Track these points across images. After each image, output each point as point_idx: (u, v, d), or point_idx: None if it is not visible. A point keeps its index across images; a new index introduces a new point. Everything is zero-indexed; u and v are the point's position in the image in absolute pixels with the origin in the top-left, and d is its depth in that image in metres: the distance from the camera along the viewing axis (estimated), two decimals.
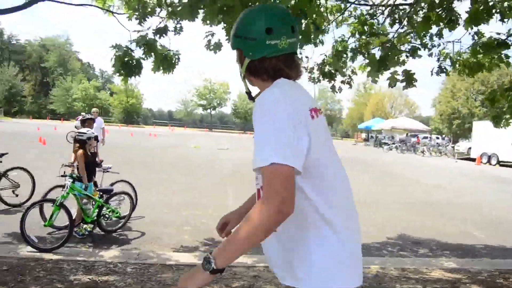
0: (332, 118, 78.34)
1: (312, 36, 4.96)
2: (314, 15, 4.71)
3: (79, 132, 6.35)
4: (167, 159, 17.57)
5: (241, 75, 1.71)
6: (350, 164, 20.06)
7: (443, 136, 45.97)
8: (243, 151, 22.41)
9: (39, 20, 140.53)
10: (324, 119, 1.67)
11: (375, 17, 6.04)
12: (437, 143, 37.00)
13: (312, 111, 1.53)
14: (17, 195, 7.71)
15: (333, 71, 5.84)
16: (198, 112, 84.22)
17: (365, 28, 5.93)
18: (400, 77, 5.44)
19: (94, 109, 12.75)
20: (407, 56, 5.84)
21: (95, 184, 6.69)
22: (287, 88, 1.52)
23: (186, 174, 13.12)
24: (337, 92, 5.87)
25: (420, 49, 5.90)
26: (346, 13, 6.26)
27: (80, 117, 8.21)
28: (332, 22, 6.11)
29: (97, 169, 6.86)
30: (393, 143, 36.97)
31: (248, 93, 1.72)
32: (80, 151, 6.19)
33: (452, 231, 7.82)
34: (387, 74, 5.48)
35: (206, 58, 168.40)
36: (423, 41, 5.91)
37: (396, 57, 5.46)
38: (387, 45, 5.47)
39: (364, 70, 5.73)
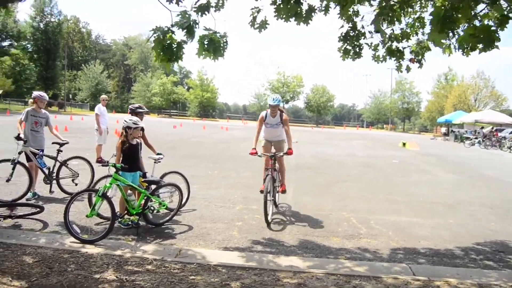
0: (409, 112, 74.26)
1: None
2: None
3: (124, 120, 6.06)
4: (233, 152, 17.34)
5: None
6: (429, 161, 18.57)
7: None
8: (311, 146, 21.68)
9: (123, 20, 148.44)
10: None
11: None
12: None
13: None
14: (76, 184, 7.76)
15: (401, 48, 4.97)
16: None
17: None
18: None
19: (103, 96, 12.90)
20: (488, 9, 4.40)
21: (144, 175, 6.42)
22: None
23: (248, 167, 12.73)
24: (401, 72, 5.02)
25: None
26: None
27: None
28: None
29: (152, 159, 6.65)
30: (476, 138, 33.97)
31: None
32: (119, 139, 5.96)
33: None
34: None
35: (280, 50, 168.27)
36: None
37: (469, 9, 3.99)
38: None
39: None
